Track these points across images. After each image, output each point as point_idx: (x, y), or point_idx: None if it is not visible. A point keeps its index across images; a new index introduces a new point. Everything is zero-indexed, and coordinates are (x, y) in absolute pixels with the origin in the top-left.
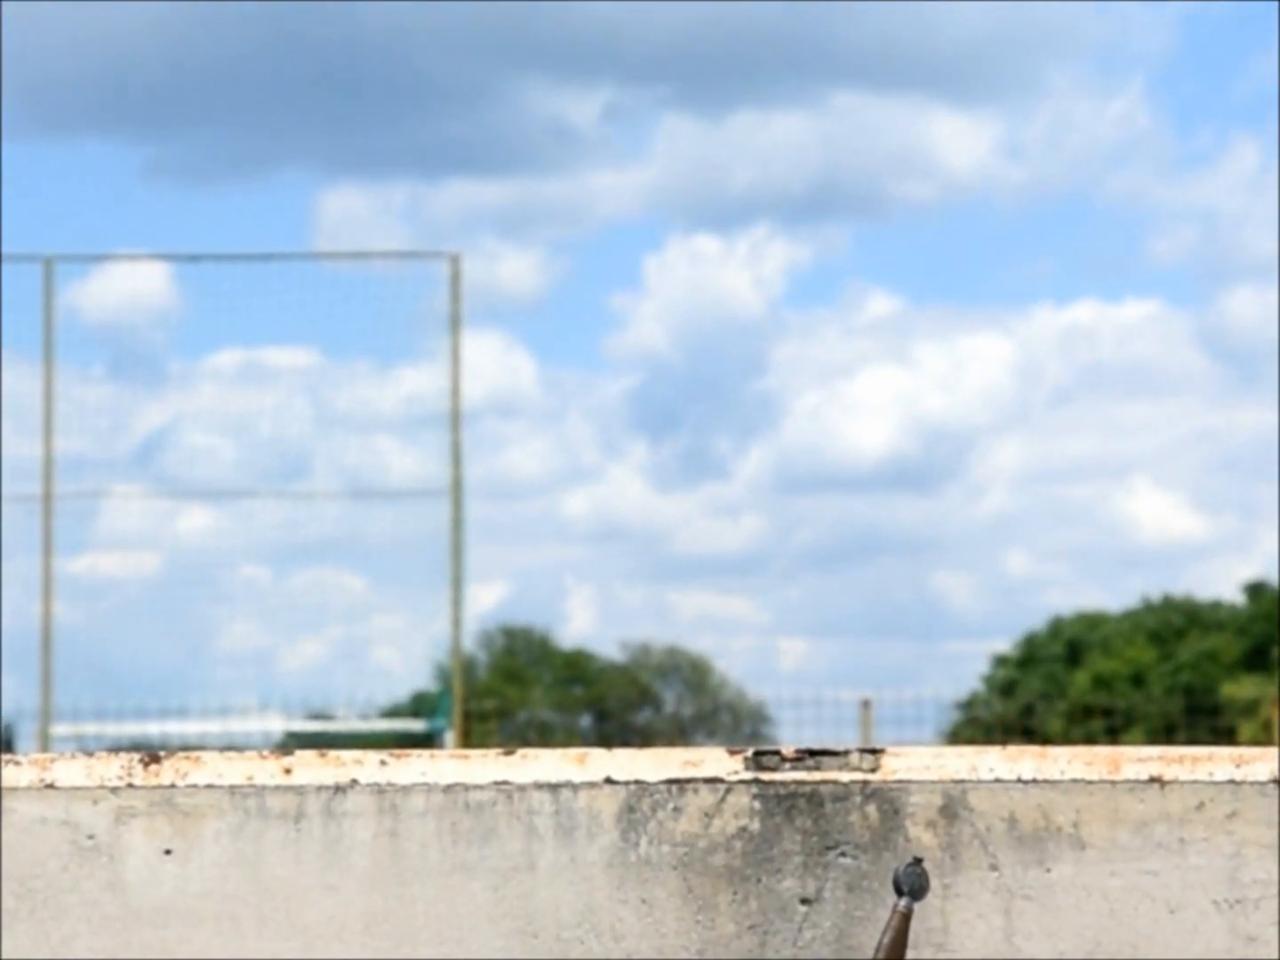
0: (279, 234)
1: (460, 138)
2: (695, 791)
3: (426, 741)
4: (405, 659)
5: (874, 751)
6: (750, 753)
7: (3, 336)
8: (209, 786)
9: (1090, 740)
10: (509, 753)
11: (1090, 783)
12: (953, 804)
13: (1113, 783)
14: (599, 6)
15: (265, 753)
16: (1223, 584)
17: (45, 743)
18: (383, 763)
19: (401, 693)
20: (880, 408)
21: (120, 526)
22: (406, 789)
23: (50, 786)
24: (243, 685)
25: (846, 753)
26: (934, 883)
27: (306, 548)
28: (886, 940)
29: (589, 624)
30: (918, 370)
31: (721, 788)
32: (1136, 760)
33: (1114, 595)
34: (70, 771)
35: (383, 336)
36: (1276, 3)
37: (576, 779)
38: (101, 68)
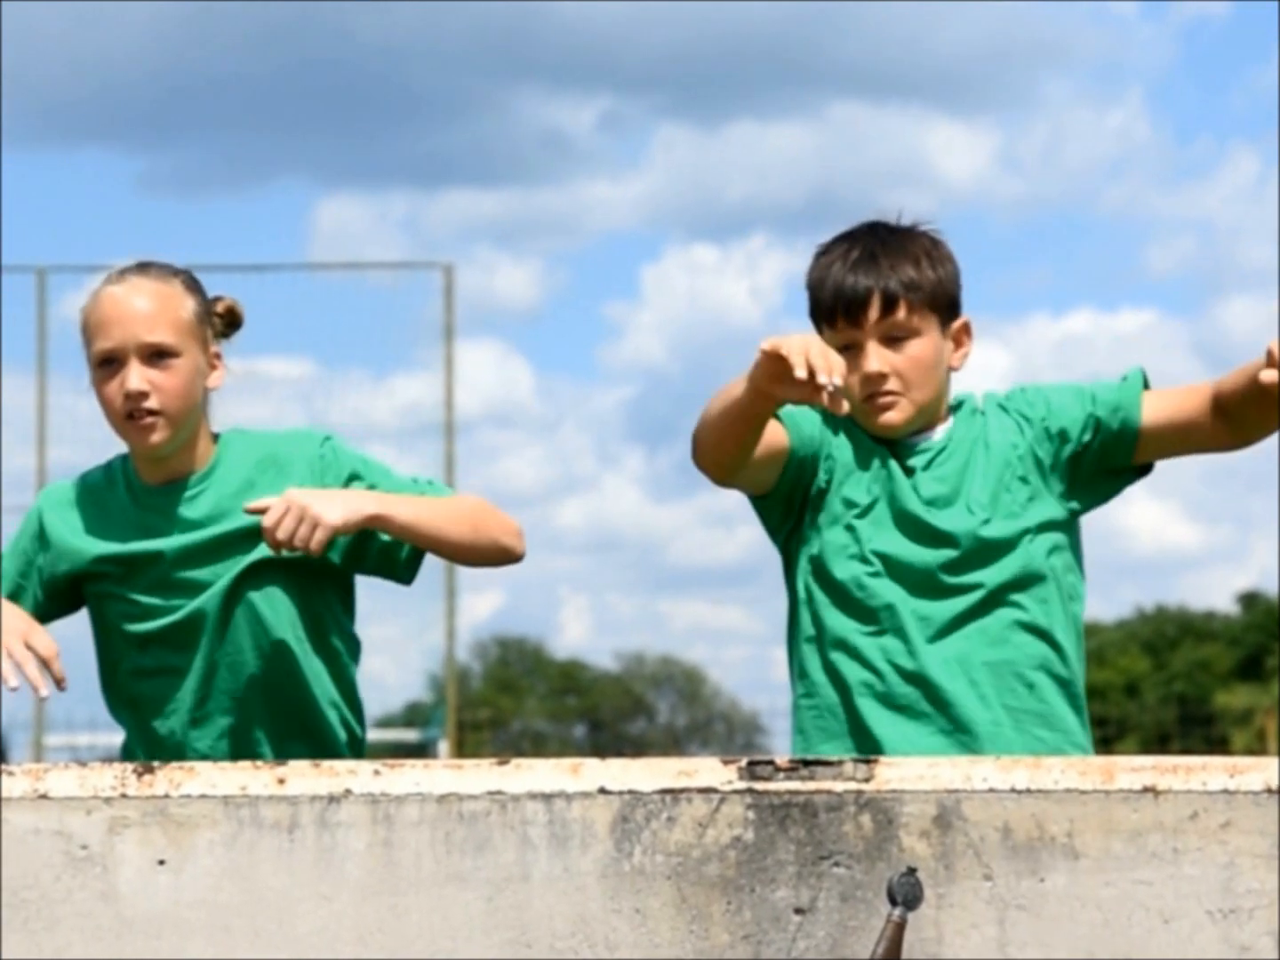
0: (274, 244)
1: (456, 148)
2: (689, 801)
3: (420, 751)
4: (399, 669)
5: (868, 761)
6: (744, 763)
7: None
8: (202, 797)
9: None
10: (503, 763)
11: (1084, 792)
12: (946, 814)
13: (1106, 792)
14: (594, 17)
15: (259, 763)
16: (1217, 594)
17: (39, 753)
18: (376, 773)
19: (395, 703)
20: None
21: None
22: (400, 799)
23: (44, 797)
24: None
25: (840, 763)
26: (928, 892)
27: None
28: (880, 950)
29: (583, 634)
30: None
31: (715, 798)
32: (1130, 770)
33: (1108, 605)
34: (64, 782)
35: (377, 347)
36: (1273, 14)
37: (570, 789)
38: (97, 79)
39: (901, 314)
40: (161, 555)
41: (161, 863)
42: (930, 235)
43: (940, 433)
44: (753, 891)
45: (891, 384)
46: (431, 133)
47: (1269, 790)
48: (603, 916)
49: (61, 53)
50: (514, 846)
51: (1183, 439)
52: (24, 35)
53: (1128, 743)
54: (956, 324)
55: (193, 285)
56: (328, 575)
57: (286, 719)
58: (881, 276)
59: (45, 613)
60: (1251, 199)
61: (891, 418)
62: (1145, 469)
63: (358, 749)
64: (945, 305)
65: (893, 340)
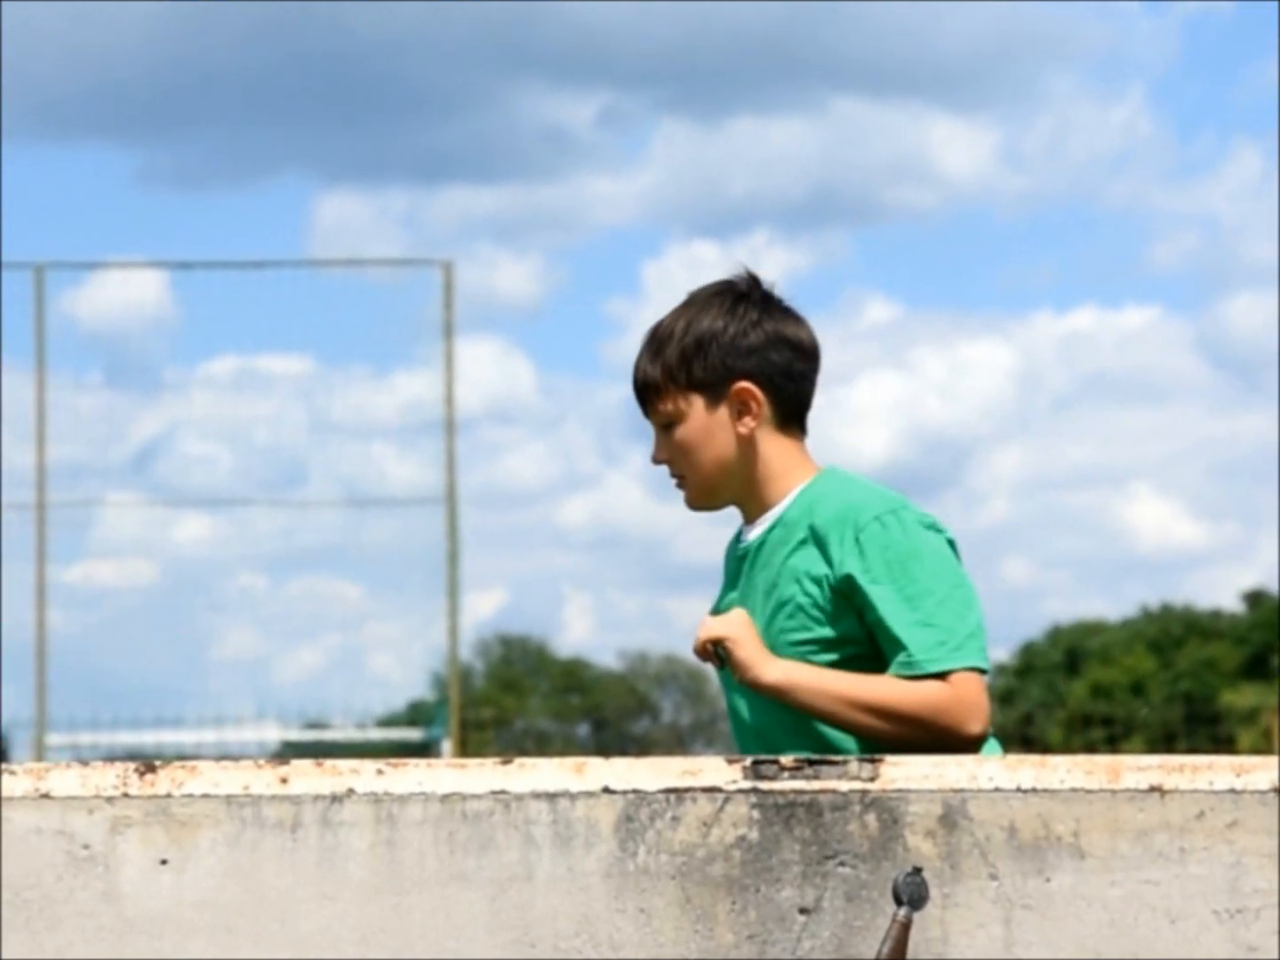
0: (275, 240)
1: (457, 144)
2: (694, 801)
3: (423, 750)
4: (402, 668)
5: (873, 760)
6: (749, 762)
7: None
8: (205, 796)
9: (1090, 749)
10: (506, 762)
11: (1090, 792)
12: (952, 813)
13: (1112, 792)
14: (595, 12)
15: (261, 762)
16: (1222, 592)
17: (40, 752)
18: (379, 772)
19: (398, 701)
20: (879, 415)
21: (115, 535)
22: (403, 798)
23: (46, 796)
24: (239, 694)
25: (845, 762)
26: (933, 892)
27: (303, 556)
28: (886, 950)
29: (586, 632)
30: (917, 377)
31: (720, 797)
32: (1136, 769)
33: (1113, 604)
34: (66, 781)
35: (378, 344)
36: (1276, 9)
37: (574, 788)
38: (97, 74)
39: (650, 405)
40: None
41: (164, 862)
42: (703, 299)
43: (768, 520)
44: (758, 891)
45: (671, 469)
46: (432, 128)
47: (1275, 789)
48: (607, 916)
49: (60, 48)
50: (518, 846)
51: None
52: (22, 30)
53: (1134, 742)
54: (730, 391)
55: None
56: None
57: None
58: (634, 371)
59: None
60: (1255, 195)
61: (685, 499)
62: None
63: None
64: (704, 380)
65: (666, 427)
